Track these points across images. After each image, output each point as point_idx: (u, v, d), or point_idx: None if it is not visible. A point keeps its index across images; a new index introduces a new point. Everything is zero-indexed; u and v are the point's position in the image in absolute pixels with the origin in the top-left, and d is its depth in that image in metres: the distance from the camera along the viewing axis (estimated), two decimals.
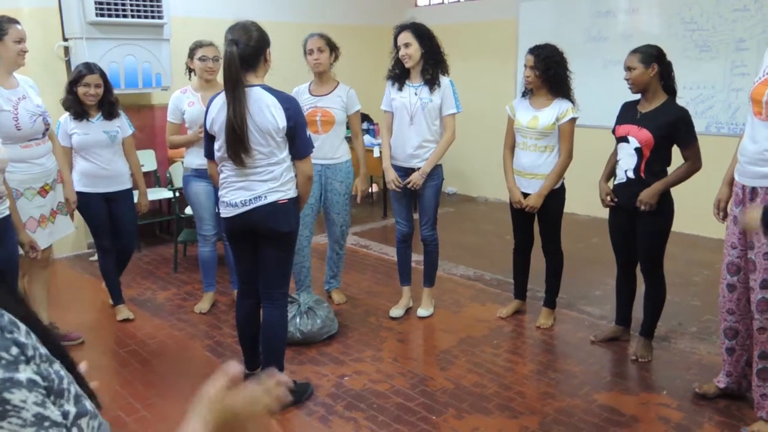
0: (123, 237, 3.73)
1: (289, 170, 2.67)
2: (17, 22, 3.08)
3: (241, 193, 2.65)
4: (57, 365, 0.62)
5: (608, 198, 3.20)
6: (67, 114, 3.47)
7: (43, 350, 0.61)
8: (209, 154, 2.76)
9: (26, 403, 0.55)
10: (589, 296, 4.10)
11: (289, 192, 2.67)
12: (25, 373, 0.56)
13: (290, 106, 2.59)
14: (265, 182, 2.62)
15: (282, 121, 2.55)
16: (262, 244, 2.73)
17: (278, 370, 2.84)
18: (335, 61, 3.70)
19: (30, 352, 0.58)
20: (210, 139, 2.71)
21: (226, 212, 2.73)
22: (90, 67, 3.45)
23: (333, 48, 3.65)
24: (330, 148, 3.70)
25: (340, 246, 3.99)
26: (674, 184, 3.03)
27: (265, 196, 2.62)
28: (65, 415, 0.60)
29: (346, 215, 3.88)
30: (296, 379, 3.01)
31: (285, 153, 2.63)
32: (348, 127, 3.87)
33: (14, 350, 0.56)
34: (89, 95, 3.43)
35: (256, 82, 2.59)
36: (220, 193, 2.76)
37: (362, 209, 6.63)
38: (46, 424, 0.56)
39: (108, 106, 3.53)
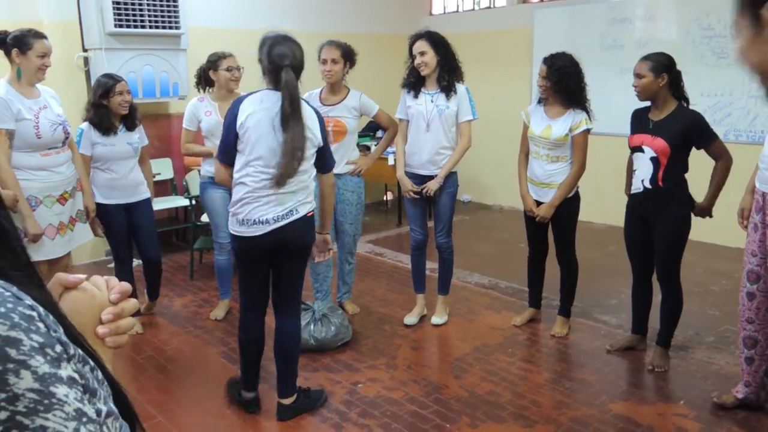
0: (146, 246, 3.71)
1: (312, 180, 2.68)
2: (44, 37, 3.10)
3: (268, 208, 2.55)
4: (89, 367, 0.64)
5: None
6: (87, 122, 3.44)
7: (80, 351, 0.64)
8: (227, 157, 2.60)
9: (68, 398, 0.58)
10: (605, 305, 4.07)
11: (313, 203, 2.69)
12: (65, 371, 0.59)
13: (321, 119, 2.69)
14: (294, 194, 2.58)
15: (318, 130, 2.62)
16: (283, 258, 2.66)
17: (295, 378, 2.84)
18: (350, 69, 3.66)
19: (71, 351, 0.61)
20: (234, 139, 2.54)
21: (252, 230, 2.58)
22: (114, 77, 3.46)
23: (348, 57, 3.61)
24: (342, 158, 3.66)
25: (351, 255, 3.96)
26: (721, 187, 2.98)
27: (297, 210, 2.60)
28: (98, 413, 0.62)
29: (358, 225, 3.86)
30: (310, 386, 3.02)
31: (312, 161, 2.65)
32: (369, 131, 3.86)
33: (58, 348, 0.59)
34: (123, 103, 3.42)
35: None
36: (239, 209, 2.58)
37: (377, 217, 6.64)
38: (85, 419, 0.59)
39: (131, 116, 3.54)
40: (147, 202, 3.71)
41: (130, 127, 3.55)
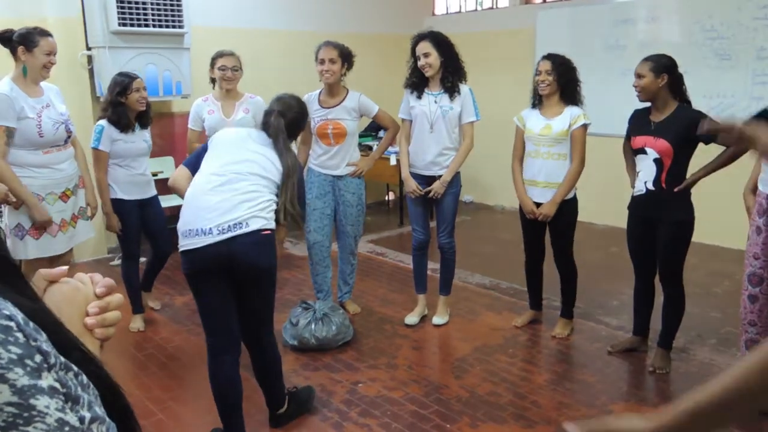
0: (161, 240, 3.78)
1: (273, 205, 2.42)
2: (50, 35, 3.12)
3: (214, 216, 2.27)
4: (72, 373, 0.64)
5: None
6: (105, 120, 3.45)
7: (62, 359, 0.63)
8: (191, 165, 2.53)
9: (49, 409, 0.57)
10: (607, 306, 4.07)
11: (270, 222, 2.37)
12: (46, 381, 0.58)
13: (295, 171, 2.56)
14: (246, 203, 2.31)
15: (278, 178, 2.48)
16: (245, 285, 2.37)
17: (282, 389, 2.76)
18: (348, 71, 3.64)
19: (52, 360, 0.60)
20: (203, 151, 2.53)
21: (192, 243, 2.28)
22: (130, 74, 3.51)
23: (346, 58, 3.59)
24: (342, 160, 3.69)
25: (353, 255, 3.97)
26: (719, 168, 2.93)
27: (247, 223, 2.28)
28: (81, 420, 0.62)
29: (359, 226, 3.87)
30: (301, 384, 3.01)
31: (269, 190, 2.44)
32: (371, 130, 3.86)
33: (38, 358, 0.58)
34: (141, 99, 3.46)
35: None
36: (182, 219, 2.36)
37: (378, 217, 6.64)
38: (67, 429, 0.58)
39: (147, 113, 3.59)
40: (157, 198, 3.80)
41: (144, 124, 3.60)
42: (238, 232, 2.27)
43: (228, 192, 2.31)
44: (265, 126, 2.56)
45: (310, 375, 3.21)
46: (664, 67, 2.95)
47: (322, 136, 3.66)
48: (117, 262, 5.04)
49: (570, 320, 3.68)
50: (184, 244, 2.32)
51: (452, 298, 3.97)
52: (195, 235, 2.28)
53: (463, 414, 2.84)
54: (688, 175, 3.02)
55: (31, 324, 0.60)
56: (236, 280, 2.36)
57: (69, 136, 3.27)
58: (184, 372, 3.29)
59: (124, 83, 3.44)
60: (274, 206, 2.43)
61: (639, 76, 3.00)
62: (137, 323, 3.76)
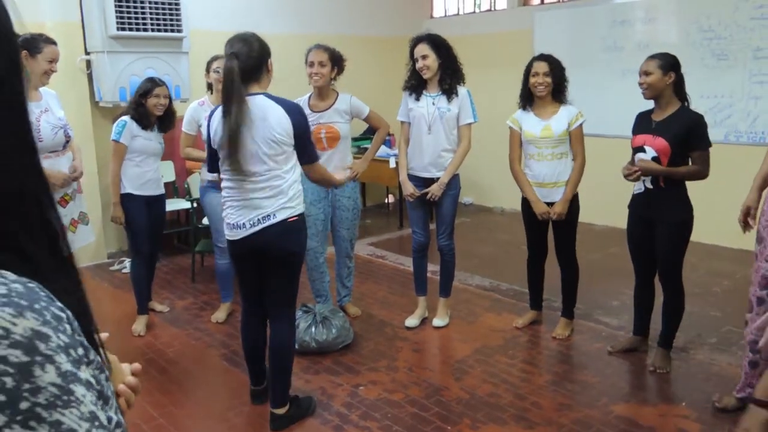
0: (153, 239, 3.83)
1: (297, 184, 2.61)
2: (54, 43, 3.16)
3: (245, 212, 2.56)
4: (104, 375, 0.66)
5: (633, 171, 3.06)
6: (127, 116, 3.61)
7: (99, 359, 0.66)
8: (214, 168, 2.70)
9: (85, 399, 0.59)
10: (607, 306, 4.07)
11: (298, 208, 2.61)
12: (84, 374, 0.61)
13: (295, 111, 2.56)
14: (272, 198, 2.54)
15: (290, 128, 2.51)
16: (269, 265, 2.65)
17: (286, 388, 2.79)
18: (339, 75, 3.60)
19: (91, 356, 0.63)
20: (214, 153, 2.64)
21: (231, 235, 2.63)
22: (156, 81, 3.66)
23: (336, 62, 3.56)
24: (337, 163, 3.62)
25: (350, 258, 3.95)
26: (675, 174, 2.97)
27: (275, 215, 2.54)
28: (109, 420, 0.64)
29: (354, 229, 3.86)
30: (304, 391, 3.01)
31: (291, 164, 2.58)
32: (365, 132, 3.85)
33: (80, 351, 0.61)
34: (159, 105, 3.62)
35: (259, 91, 2.55)
36: (224, 212, 2.66)
37: (378, 219, 6.64)
38: (97, 423, 0.60)
39: (167, 119, 3.74)
40: (164, 197, 3.92)
41: (161, 128, 3.78)
42: (267, 224, 2.55)
43: (257, 192, 2.55)
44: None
45: (310, 378, 3.21)
46: (671, 65, 2.97)
47: (315, 141, 3.62)
48: (117, 267, 5.05)
49: (570, 320, 3.68)
50: (227, 234, 2.68)
51: (452, 300, 3.97)
52: (233, 228, 2.61)
53: (464, 416, 2.84)
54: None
55: (76, 323, 0.63)
56: (267, 260, 2.64)
57: (67, 141, 3.28)
58: (185, 376, 3.29)
59: (146, 87, 3.63)
60: (301, 187, 2.65)
61: (646, 73, 3.00)
62: (139, 326, 3.77)
